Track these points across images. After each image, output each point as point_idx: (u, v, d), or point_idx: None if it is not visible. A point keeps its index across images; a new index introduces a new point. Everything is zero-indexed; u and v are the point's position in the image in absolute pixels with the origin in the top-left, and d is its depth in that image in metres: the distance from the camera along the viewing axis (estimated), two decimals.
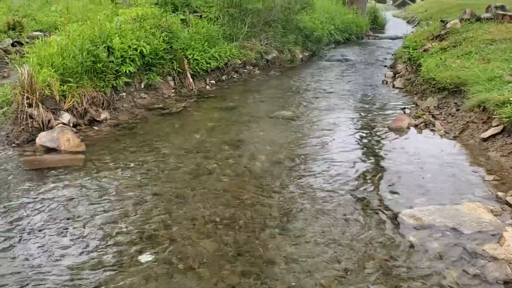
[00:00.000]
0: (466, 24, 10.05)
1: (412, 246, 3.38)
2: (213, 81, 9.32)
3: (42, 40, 6.92)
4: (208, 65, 9.11)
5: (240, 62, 10.23)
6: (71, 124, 6.05)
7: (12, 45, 10.35)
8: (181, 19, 9.35)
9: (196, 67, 8.87)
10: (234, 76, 9.97)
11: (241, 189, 4.40)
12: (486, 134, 5.35)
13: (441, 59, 8.11)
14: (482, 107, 5.76)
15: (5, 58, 7.58)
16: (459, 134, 5.77)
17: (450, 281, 2.97)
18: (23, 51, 6.87)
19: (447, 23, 10.58)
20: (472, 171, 4.72)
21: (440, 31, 10.17)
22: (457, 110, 6.36)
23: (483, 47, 8.14)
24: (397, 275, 3.05)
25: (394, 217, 3.80)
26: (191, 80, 8.65)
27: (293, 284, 2.98)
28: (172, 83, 8.44)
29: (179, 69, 8.50)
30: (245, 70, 10.41)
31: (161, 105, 7.53)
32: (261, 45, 11.28)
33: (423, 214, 3.77)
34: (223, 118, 6.86)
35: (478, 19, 10.18)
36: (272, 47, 11.65)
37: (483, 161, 4.94)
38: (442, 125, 6.08)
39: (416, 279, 3.00)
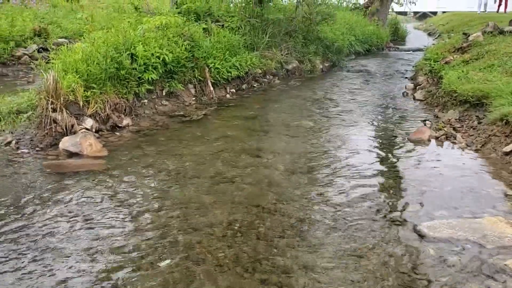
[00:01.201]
0: (488, 37, 9.98)
1: (432, 259, 3.35)
2: (233, 90, 9.39)
3: (67, 47, 7.06)
4: (229, 74, 9.18)
5: (260, 71, 10.28)
6: (94, 130, 6.15)
7: (38, 51, 10.59)
8: (203, 28, 9.46)
9: (217, 76, 8.95)
10: (254, 85, 10.02)
11: (260, 197, 4.41)
12: (508, 148, 5.29)
13: (463, 71, 8.05)
14: (504, 121, 5.69)
15: (31, 63, 7.74)
16: (480, 147, 5.71)
17: None
18: (48, 57, 7.01)
19: (469, 35, 10.52)
20: (494, 185, 4.67)
21: (462, 44, 10.10)
22: (479, 123, 6.30)
23: (506, 60, 8.06)
24: None
25: (414, 229, 3.77)
26: (211, 88, 8.72)
27: None
28: (193, 91, 8.52)
29: (200, 77, 8.58)
30: (265, 80, 10.46)
31: (182, 113, 7.61)
32: (282, 55, 11.33)
33: (444, 227, 3.74)
34: (243, 126, 6.90)
35: (501, 32, 10.09)
36: (293, 57, 11.70)
37: (505, 175, 4.88)
38: (463, 138, 6.03)
39: None
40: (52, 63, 6.52)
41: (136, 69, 7.19)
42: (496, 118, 5.86)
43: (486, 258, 3.32)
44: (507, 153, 5.27)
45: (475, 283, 3.05)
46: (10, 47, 11.01)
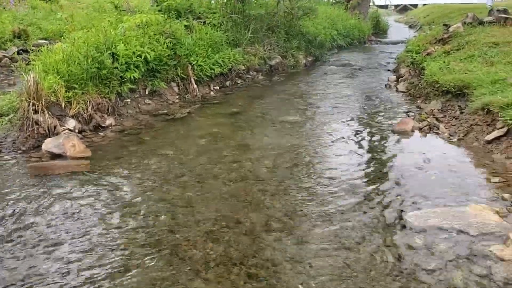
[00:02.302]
0: (468, 27, 10.07)
1: (418, 248, 3.38)
2: (217, 87, 9.35)
3: (47, 48, 6.97)
4: (212, 71, 9.14)
5: (243, 67, 10.26)
6: (77, 130, 6.08)
7: (18, 53, 10.43)
8: (185, 25, 9.40)
9: (200, 73, 8.90)
10: (238, 81, 10.00)
11: (246, 193, 4.41)
12: (490, 137, 5.35)
13: (444, 62, 8.13)
14: (486, 110, 5.76)
15: (11, 66, 7.64)
16: (463, 136, 5.78)
17: (457, 282, 2.97)
18: (28, 59, 6.92)
19: (449, 27, 10.60)
20: (477, 173, 4.73)
21: (443, 35, 10.19)
22: (461, 113, 6.37)
23: (486, 50, 8.15)
24: (403, 277, 3.05)
25: (400, 219, 3.80)
26: (195, 86, 8.69)
27: (299, 286, 2.99)
28: (176, 89, 8.48)
29: (183, 75, 8.53)
30: (249, 76, 10.44)
31: (165, 111, 7.56)
32: (265, 50, 11.31)
33: (429, 216, 3.77)
34: (228, 123, 6.89)
35: (481, 23, 10.20)
36: (275, 53, 11.69)
37: (488, 163, 4.94)
38: (446, 128, 6.09)
39: (422, 281, 3.01)
40: (33, 65, 6.43)
41: (117, 68, 7.13)
42: (477, 108, 5.93)
43: (471, 245, 3.36)
44: (489, 142, 5.34)
45: (461, 269, 3.09)
46: None
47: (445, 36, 10.03)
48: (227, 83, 9.71)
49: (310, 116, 7.28)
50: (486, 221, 3.65)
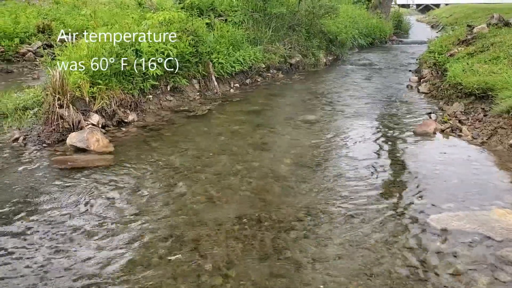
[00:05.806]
0: (493, 29, 9.92)
1: (441, 252, 3.35)
2: (237, 85, 9.39)
3: (72, 43, 7.06)
4: (233, 69, 9.19)
5: (264, 66, 10.28)
6: (100, 125, 6.17)
7: (43, 48, 10.60)
8: (207, 23, 9.44)
9: (221, 71, 8.95)
10: (258, 79, 10.02)
11: (266, 191, 4.43)
12: None
13: (467, 64, 8.02)
14: (511, 113, 5.68)
15: (35, 60, 7.75)
16: (487, 139, 5.70)
17: None
18: (53, 54, 7.01)
19: (473, 28, 10.46)
20: (501, 177, 4.67)
21: (466, 36, 10.06)
22: (485, 115, 6.29)
23: (511, 52, 8.02)
24: (425, 281, 3.04)
25: (422, 222, 3.77)
26: (216, 83, 8.73)
27: (321, 286, 2.99)
28: (197, 86, 8.53)
29: (204, 73, 8.58)
30: (269, 74, 10.46)
31: (186, 108, 7.61)
32: (285, 49, 11.31)
33: (452, 220, 3.74)
34: (248, 121, 6.90)
35: (506, 24, 10.05)
36: (296, 51, 11.68)
37: None
38: (469, 131, 6.02)
39: (445, 285, 2.99)
40: (58, 60, 6.52)
41: (141, 64, 7.18)
42: (502, 110, 5.85)
43: (494, 251, 3.32)
44: None
45: (484, 275, 3.06)
46: (14, 44, 11.03)
47: (469, 37, 9.90)
48: (247, 80, 9.74)
49: (330, 115, 7.26)
50: (510, 226, 3.61)
